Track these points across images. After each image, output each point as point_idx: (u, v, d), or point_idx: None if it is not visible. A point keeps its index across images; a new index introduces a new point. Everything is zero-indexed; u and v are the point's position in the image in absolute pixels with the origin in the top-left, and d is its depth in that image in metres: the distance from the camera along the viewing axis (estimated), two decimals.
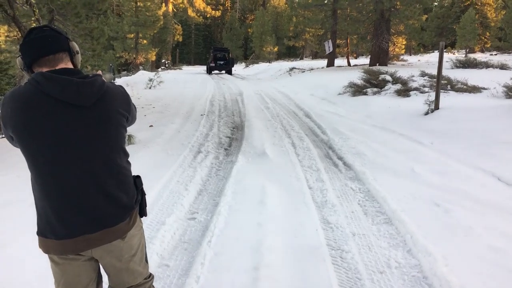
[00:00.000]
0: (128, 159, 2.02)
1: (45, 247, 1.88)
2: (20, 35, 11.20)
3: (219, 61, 33.92)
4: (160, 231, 3.95)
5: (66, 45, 1.85)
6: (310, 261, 3.46)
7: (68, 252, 1.87)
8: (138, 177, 2.08)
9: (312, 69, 25.94)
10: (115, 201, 1.90)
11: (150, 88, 18.44)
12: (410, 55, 41.24)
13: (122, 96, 1.97)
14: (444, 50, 9.57)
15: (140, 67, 36.61)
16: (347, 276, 3.28)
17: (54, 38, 1.82)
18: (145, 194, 2.13)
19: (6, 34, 18.11)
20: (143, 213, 2.11)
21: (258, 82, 24.55)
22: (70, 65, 1.87)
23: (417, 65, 21.88)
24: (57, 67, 1.81)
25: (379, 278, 3.23)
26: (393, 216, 4.32)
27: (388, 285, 3.14)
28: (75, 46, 1.91)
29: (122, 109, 1.93)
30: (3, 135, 1.98)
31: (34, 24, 12.30)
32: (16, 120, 1.73)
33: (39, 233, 1.87)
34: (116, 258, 1.97)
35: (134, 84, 19.27)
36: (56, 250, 1.87)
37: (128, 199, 1.96)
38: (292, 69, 28.02)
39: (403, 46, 36.03)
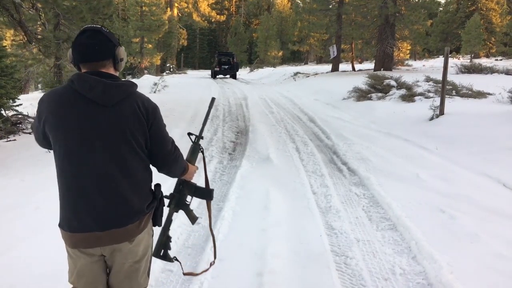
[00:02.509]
0: (148, 165, 2.07)
1: (63, 238, 1.99)
2: (26, 39, 11.25)
3: (224, 65, 33.94)
4: None
5: (111, 53, 1.94)
6: (314, 267, 3.44)
7: (78, 246, 1.94)
8: (158, 185, 2.14)
9: (316, 74, 25.95)
10: (126, 203, 1.94)
11: (155, 92, 18.47)
12: (415, 60, 41.15)
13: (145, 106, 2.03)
14: (449, 55, 9.55)
15: (145, 71, 36.68)
16: (352, 283, 3.26)
17: (101, 47, 1.91)
18: (164, 205, 2.18)
19: (12, 38, 18.23)
20: (157, 222, 2.16)
21: (263, 86, 24.56)
22: (111, 70, 1.97)
23: (422, 70, 21.83)
24: (98, 70, 1.92)
25: (384, 285, 3.20)
26: (398, 222, 4.30)
27: None
28: (121, 54, 1.98)
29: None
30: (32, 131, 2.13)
31: (40, 29, 12.39)
32: (49, 111, 1.88)
33: (59, 224, 1.98)
34: (120, 261, 2.00)
35: (139, 88, 19.24)
36: (69, 242, 1.96)
37: (140, 203, 1.99)
38: (296, 73, 28.02)
39: (408, 51, 35.97)
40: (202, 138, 2.49)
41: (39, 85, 23.40)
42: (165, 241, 2.29)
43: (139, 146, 1.96)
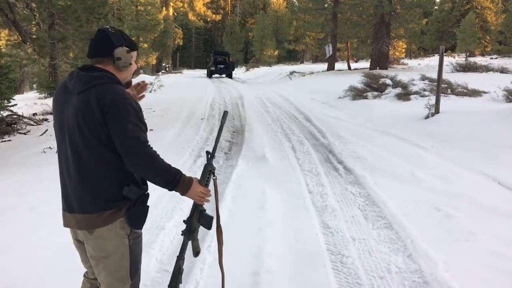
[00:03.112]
0: (110, 158, 1.98)
1: None
2: (20, 39, 11.21)
3: (220, 65, 33.91)
4: (159, 236, 3.93)
5: (107, 51, 2.06)
6: (310, 266, 3.44)
7: (64, 224, 2.14)
8: (128, 185, 2.04)
9: (312, 73, 25.95)
10: (85, 192, 2.02)
11: (150, 92, 18.44)
12: (411, 58, 41.22)
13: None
14: (444, 54, 9.57)
15: (141, 71, 36.61)
16: (347, 282, 3.26)
17: (98, 44, 2.08)
18: (144, 207, 2.11)
19: (7, 38, 18.17)
20: (134, 224, 2.09)
21: (259, 86, 24.56)
22: (110, 68, 2.07)
23: (417, 69, 21.87)
24: (92, 65, 2.07)
25: (380, 284, 3.21)
26: (394, 221, 4.31)
27: None
28: (117, 53, 2.07)
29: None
30: None
31: (35, 29, 12.34)
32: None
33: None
34: (88, 250, 2.10)
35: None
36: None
37: (99, 196, 2.01)
38: (292, 72, 28.01)
39: (403, 50, 36.05)
40: (213, 157, 2.33)
41: (34, 85, 23.32)
42: (176, 272, 2.36)
43: (94, 136, 1.95)
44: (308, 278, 3.27)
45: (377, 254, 3.68)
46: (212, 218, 2.34)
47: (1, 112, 9.74)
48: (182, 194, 2.15)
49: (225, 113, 2.38)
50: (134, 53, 2.16)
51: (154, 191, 5.32)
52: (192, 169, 6.34)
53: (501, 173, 5.66)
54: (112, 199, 2.02)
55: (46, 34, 11.38)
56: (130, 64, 2.13)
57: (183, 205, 4.78)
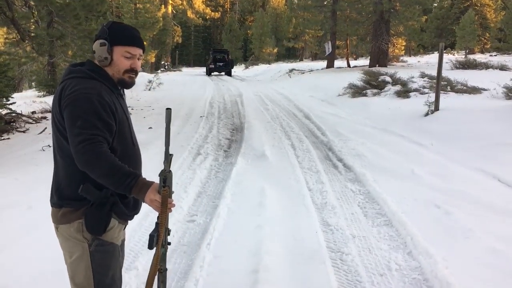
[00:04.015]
0: (69, 158, 1.87)
1: None
2: (19, 37, 11.19)
3: (219, 62, 33.84)
4: None
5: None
6: (309, 264, 3.44)
7: None
8: (85, 183, 1.88)
9: (311, 71, 25.92)
10: (53, 186, 2.00)
11: (149, 89, 18.41)
12: (410, 56, 41.17)
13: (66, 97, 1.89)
14: (444, 51, 9.56)
15: (140, 69, 36.63)
16: (347, 279, 3.26)
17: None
18: (102, 212, 1.90)
19: (5, 36, 18.13)
20: (90, 229, 1.92)
21: (258, 83, 24.53)
22: (96, 61, 1.99)
23: (416, 66, 21.86)
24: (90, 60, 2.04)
25: (380, 281, 3.20)
26: (394, 218, 4.30)
27: (389, 287, 3.12)
28: (93, 46, 1.99)
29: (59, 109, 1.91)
30: None
31: (33, 27, 12.30)
32: None
33: None
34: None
35: (134, 86, 19.21)
36: None
37: (60, 190, 1.96)
38: (291, 70, 27.98)
39: (403, 47, 36.00)
40: (168, 161, 1.88)
41: (33, 84, 23.28)
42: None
43: (58, 129, 1.92)
44: (308, 276, 3.26)
45: (377, 251, 3.67)
46: (152, 237, 1.86)
47: (0, 110, 9.72)
48: (143, 201, 1.89)
49: (168, 111, 1.87)
50: (119, 48, 1.94)
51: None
52: (192, 167, 6.33)
53: (500, 170, 5.66)
54: (69, 197, 1.92)
55: (44, 32, 11.35)
56: (106, 58, 1.93)
57: (183, 202, 4.78)
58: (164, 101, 14.31)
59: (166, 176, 1.83)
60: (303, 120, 10.79)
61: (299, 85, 19.66)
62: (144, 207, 2.15)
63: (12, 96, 10.52)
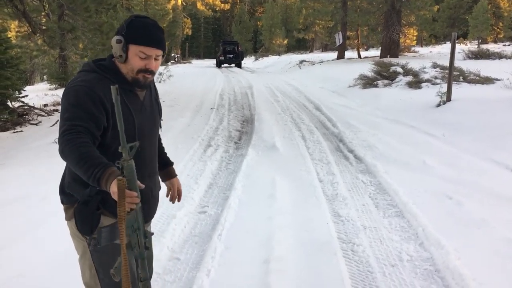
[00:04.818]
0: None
1: None
2: (30, 30, 11.26)
3: (229, 54, 33.82)
4: (170, 225, 3.95)
5: None
6: (320, 254, 3.44)
7: None
8: (69, 181, 1.86)
9: (322, 62, 25.79)
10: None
11: (159, 82, 18.44)
12: (422, 46, 40.74)
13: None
14: (456, 41, 9.44)
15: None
16: (358, 270, 3.26)
17: None
18: (86, 210, 1.83)
19: (16, 29, 18.25)
20: (79, 227, 1.87)
21: (268, 75, 24.48)
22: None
23: (428, 57, 21.63)
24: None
25: (391, 271, 3.20)
26: (405, 209, 4.29)
27: (400, 278, 3.11)
28: (111, 42, 1.89)
29: None
30: None
31: (44, 20, 12.37)
32: None
33: None
34: None
35: None
36: None
37: (59, 189, 1.95)
38: (302, 61, 27.87)
39: (414, 38, 35.66)
40: (125, 148, 1.60)
41: (45, 77, 23.45)
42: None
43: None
44: (319, 266, 3.26)
45: (388, 242, 3.67)
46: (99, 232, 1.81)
47: (13, 103, 9.81)
48: None
49: (114, 89, 1.56)
50: (134, 47, 1.83)
51: None
52: (202, 159, 6.35)
53: None
54: (64, 193, 1.91)
55: (55, 25, 11.41)
56: (121, 56, 1.84)
57: (194, 194, 4.81)
58: (174, 93, 14.33)
59: (123, 165, 1.59)
60: (314, 111, 10.76)
61: (309, 77, 19.58)
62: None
63: (24, 89, 10.62)
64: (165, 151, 2.43)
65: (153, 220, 4.07)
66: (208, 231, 3.96)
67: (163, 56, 1.95)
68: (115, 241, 1.82)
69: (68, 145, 1.65)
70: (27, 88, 11.87)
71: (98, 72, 1.86)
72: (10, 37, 12.41)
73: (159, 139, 2.32)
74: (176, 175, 2.43)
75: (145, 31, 1.84)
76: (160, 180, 2.28)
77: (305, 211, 4.38)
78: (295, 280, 3.09)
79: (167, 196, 2.41)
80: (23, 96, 10.24)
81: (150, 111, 2.04)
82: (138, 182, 1.63)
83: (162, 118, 2.22)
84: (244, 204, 4.53)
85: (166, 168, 2.38)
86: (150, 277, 2.14)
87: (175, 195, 2.40)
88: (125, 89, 1.89)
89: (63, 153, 1.67)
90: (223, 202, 4.66)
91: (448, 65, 9.38)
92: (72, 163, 1.67)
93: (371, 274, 3.18)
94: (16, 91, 9.94)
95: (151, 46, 1.85)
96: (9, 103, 9.63)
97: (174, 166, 2.46)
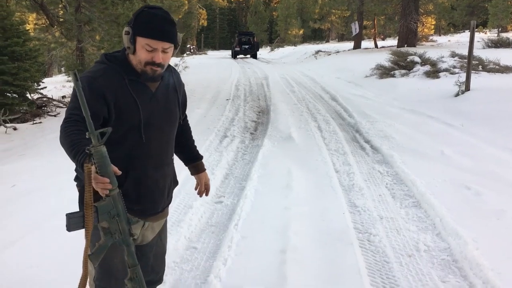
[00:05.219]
0: None
1: None
2: (48, 22, 11.38)
3: (244, 45, 33.78)
4: (187, 215, 3.99)
5: None
6: (337, 244, 3.44)
7: None
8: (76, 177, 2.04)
9: (338, 52, 25.58)
10: None
11: None
12: (440, 35, 40.09)
13: None
14: (476, 30, 9.28)
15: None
16: (375, 260, 3.25)
17: None
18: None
19: (35, 22, 18.45)
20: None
21: (284, 66, 24.38)
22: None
23: (447, 46, 21.29)
24: None
25: (408, 262, 3.19)
26: (422, 199, 4.26)
27: (417, 268, 3.10)
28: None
29: None
30: None
31: (62, 12, 12.48)
32: None
33: None
34: None
35: None
36: None
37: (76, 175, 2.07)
38: (317, 52, 27.72)
39: (432, 26, 35.10)
40: (93, 134, 1.57)
41: (62, 69, 23.71)
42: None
43: None
44: (335, 256, 3.27)
45: (405, 232, 3.65)
46: (68, 217, 1.75)
47: (32, 95, 9.96)
48: None
49: (73, 73, 1.55)
50: (141, 39, 1.80)
51: (182, 172, 5.41)
52: (219, 149, 6.38)
53: None
54: (78, 177, 2.05)
55: (72, 17, 11.48)
56: (129, 47, 1.83)
57: (210, 184, 4.82)
58: (190, 85, 14.34)
59: (91, 151, 1.56)
60: (330, 102, 10.70)
61: (325, 67, 19.45)
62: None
63: (43, 81, 10.76)
64: (195, 144, 2.47)
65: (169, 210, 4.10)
66: (225, 221, 3.99)
67: (176, 47, 1.91)
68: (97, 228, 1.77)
69: (63, 133, 1.72)
70: (45, 80, 12.03)
71: (107, 64, 1.87)
72: (29, 29, 12.57)
73: (189, 132, 2.40)
74: (205, 169, 2.49)
75: (151, 24, 1.79)
76: (190, 173, 2.46)
77: (321, 201, 4.37)
78: (311, 269, 3.10)
79: (195, 189, 2.49)
80: (42, 88, 10.38)
81: (164, 102, 2.01)
82: (114, 167, 1.61)
83: (184, 109, 2.26)
84: (260, 194, 4.54)
85: (194, 162, 2.45)
86: (163, 271, 2.24)
87: (202, 189, 2.48)
88: (133, 80, 1.88)
89: (60, 140, 1.73)
90: (239, 192, 4.69)
91: (466, 54, 9.23)
92: (65, 151, 1.72)
93: (388, 264, 3.18)
94: (35, 83, 10.08)
95: (156, 39, 1.80)
96: (28, 95, 9.77)
97: None
